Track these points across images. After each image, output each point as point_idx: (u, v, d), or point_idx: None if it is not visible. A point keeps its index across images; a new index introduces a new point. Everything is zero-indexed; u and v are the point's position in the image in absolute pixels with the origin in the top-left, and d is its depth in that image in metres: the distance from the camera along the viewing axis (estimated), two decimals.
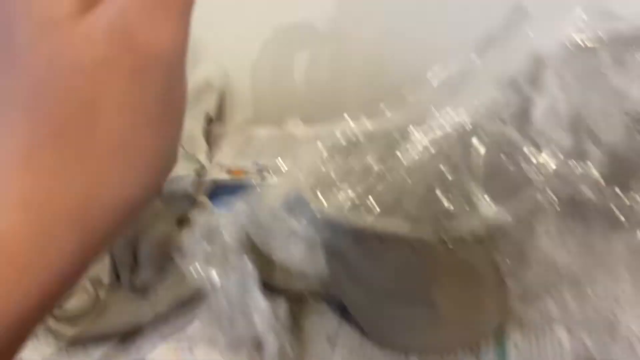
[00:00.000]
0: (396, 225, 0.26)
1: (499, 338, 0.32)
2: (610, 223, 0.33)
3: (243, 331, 0.34)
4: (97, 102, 0.16)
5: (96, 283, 0.40)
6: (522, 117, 0.35)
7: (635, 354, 0.29)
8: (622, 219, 0.29)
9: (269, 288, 0.37)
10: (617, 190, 0.31)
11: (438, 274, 0.27)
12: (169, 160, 0.19)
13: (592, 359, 0.29)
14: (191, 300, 0.37)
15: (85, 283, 0.39)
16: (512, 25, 0.37)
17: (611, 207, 0.31)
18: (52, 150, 0.16)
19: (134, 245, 0.40)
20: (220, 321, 0.34)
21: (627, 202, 0.29)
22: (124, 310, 0.38)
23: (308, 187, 0.29)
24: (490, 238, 0.26)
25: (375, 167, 0.30)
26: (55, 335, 0.37)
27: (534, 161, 0.29)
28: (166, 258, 0.39)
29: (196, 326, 0.35)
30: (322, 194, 0.29)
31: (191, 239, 0.34)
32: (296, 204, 0.30)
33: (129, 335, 0.36)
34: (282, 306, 0.36)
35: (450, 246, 0.26)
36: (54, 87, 0.16)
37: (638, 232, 0.31)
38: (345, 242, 0.27)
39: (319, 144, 0.33)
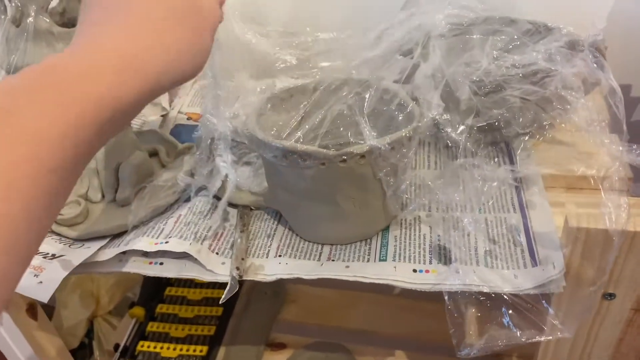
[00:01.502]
0: (312, 148, 0.38)
1: (384, 232, 0.46)
2: (456, 152, 0.47)
3: (205, 230, 0.46)
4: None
5: (86, 199, 0.52)
6: (411, 77, 0.48)
7: (468, 239, 0.44)
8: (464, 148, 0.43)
9: (228, 204, 0.50)
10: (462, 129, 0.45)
11: (340, 182, 0.40)
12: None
13: (441, 244, 0.44)
14: (164, 209, 0.49)
15: (77, 199, 0.51)
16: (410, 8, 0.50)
17: (461, 141, 0.45)
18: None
19: (117, 170, 0.51)
20: (188, 224, 0.47)
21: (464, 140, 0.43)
22: (111, 218, 0.49)
23: (254, 122, 0.42)
24: (373, 158, 0.39)
25: (301, 111, 0.43)
26: (60, 236, 0.48)
27: (409, 108, 0.42)
28: (142, 179, 0.51)
29: (170, 226, 0.47)
30: (263, 128, 0.42)
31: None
32: (245, 136, 0.42)
33: (118, 235, 0.48)
34: (235, 215, 0.49)
35: (347, 162, 0.39)
36: None
37: (475, 159, 0.45)
38: (279, 159, 0.40)
39: (262, 92, 0.46)
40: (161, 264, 0.45)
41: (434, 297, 0.86)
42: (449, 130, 0.48)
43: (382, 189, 0.42)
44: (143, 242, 0.45)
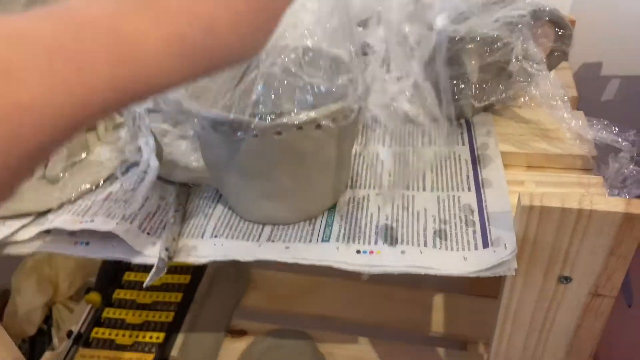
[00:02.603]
0: (242, 117, 0.35)
1: (330, 212, 0.42)
2: (413, 128, 0.44)
3: (135, 208, 0.43)
4: None
5: None
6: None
7: (417, 219, 0.41)
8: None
9: (163, 180, 0.46)
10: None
11: (275, 156, 0.37)
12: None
13: (388, 224, 0.40)
14: (95, 187, 0.46)
15: None
16: None
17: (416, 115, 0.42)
18: None
19: None
20: (118, 201, 0.43)
21: None
22: (39, 195, 0.45)
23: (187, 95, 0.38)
24: (312, 130, 0.36)
25: (235, 81, 0.39)
26: None
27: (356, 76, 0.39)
28: (73, 154, 0.47)
29: (98, 203, 0.44)
30: (195, 96, 0.38)
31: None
32: (170, 105, 0.39)
33: (44, 214, 0.44)
34: (172, 193, 0.45)
35: (283, 134, 0.35)
36: None
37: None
38: (208, 131, 0.36)
39: None
40: (87, 244, 0.42)
41: (404, 283, 0.84)
42: (403, 102, 0.45)
43: (324, 165, 0.39)
44: (67, 220, 0.42)
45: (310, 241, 0.40)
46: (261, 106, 0.36)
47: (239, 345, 0.77)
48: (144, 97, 0.22)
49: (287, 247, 0.40)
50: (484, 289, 0.82)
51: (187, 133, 0.47)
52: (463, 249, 0.38)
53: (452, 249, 0.38)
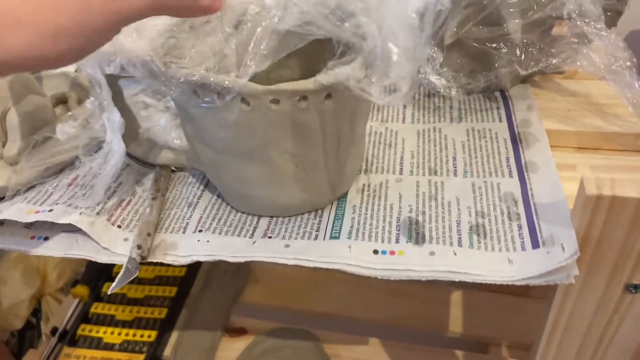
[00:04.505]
0: (230, 79, 0.27)
1: (341, 201, 0.35)
2: (439, 101, 0.36)
3: (94, 201, 0.35)
4: None
5: None
6: None
7: (449, 211, 0.33)
8: None
9: (141, 163, 0.39)
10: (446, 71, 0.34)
11: (272, 132, 0.29)
12: None
13: (413, 218, 0.33)
14: (59, 169, 0.38)
15: None
16: None
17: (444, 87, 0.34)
18: None
19: (4, 118, 0.40)
20: (84, 187, 0.36)
21: None
22: None
23: (157, 47, 0.30)
24: (321, 100, 0.28)
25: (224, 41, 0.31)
26: None
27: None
28: (36, 131, 0.40)
29: (60, 190, 0.36)
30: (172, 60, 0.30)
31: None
32: (139, 67, 0.31)
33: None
34: (150, 178, 0.38)
35: (281, 104, 0.28)
36: None
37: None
38: (189, 99, 0.29)
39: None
40: (46, 238, 0.34)
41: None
42: (428, 71, 0.37)
43: (333, 143, 0.31)
44: (19, 209, 0.34)
45: (315, 238, 0.32)
46: (253, 66, 0.28)
47: (237, 345, 0.70)
48: None
49: (287, 246, 0.32)
50: (508, 285, 0.74)
51: (169, 104, 0.39)
52: (507, 249, 0.30)
53: (493, 249, 0.31)
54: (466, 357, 0.68)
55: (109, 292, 0.31)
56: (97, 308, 0.76)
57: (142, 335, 0.71)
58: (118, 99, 0.36)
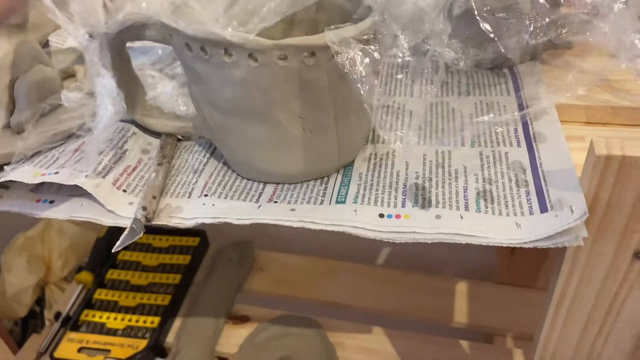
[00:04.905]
0: (237, 33, 0.27)
1: (347, 169, 0.35)
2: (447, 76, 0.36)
3: (111, 161, 0.35)
4: None
5: None
6: None
7: (456, 178, 0.33)
8: None
9: (147, 131, 0.39)
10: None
11: (280, 91, 0.29)
12: None
13: (419, 183, 0.33)
14: (66, 136, 0.38)
15: None
16: None
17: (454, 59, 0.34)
18: None
19: (12, 87, 0.40)
20: (89, 154, 0.36)
21: None
22: (1, 145, 0.38)
23: (166, 6, 0.30)
24: (330, 58, 0.28)
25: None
26: None
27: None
28: (42, 99, 0.40)
29: (67, 154, 0.36)
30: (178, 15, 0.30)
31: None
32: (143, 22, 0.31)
33: (1, 168, 0.37)
34: (156, 146, 0.38)
35: (289, 60, 0.28)
36: None
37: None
38: (195, 55, 0.29)
39: None
40: (52, 202, 0.34)
41: (423, 268, 0.76)
42: (436, 43, 0.37)
43: (342, 106, 0.31)
44: (26, 172, 0.34)
45: (321, 203, 0.32)
46: (260, 22, 0.28)
47: (240, 332, 0.69)
48: None
49: (292, 209, 0.32)
50: (512, 276, 0.74)
51: (175, 71, 0.39)
52: (515, 214, 0.30)
53: (500, 213, 0.30)
54: (471, 347, 0.67)
55: (113, 250, 0.31)
56: (101, 294, 0.76)
57: (145, 322, 0.71)
58: (124, 66, 0.36)
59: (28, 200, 0.35)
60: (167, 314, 0.72)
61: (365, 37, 0.29)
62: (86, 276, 0.78)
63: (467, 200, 0.31)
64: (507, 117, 0.37)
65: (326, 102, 0.30)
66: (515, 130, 0.36)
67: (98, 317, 0.73)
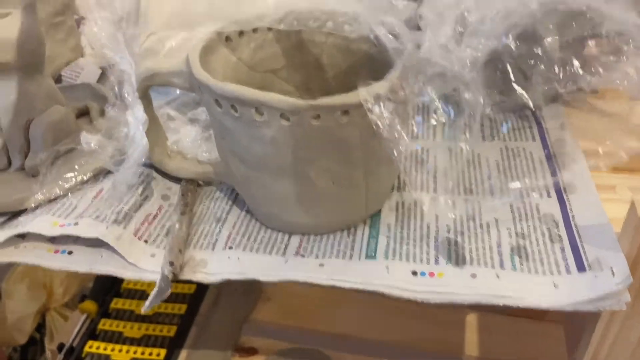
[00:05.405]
0: (271, 94, 0.26)
1: (374, 219, 0.34)
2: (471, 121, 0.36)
3: (132, 210, 0.34)
4: None
5: None
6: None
7: (488, 232, 0.32)
8: None
9: (166, 176, 0.38)
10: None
11: (312, 148, 0.28)
12: None
13: (451, 238, 0.32)
14: (84, 181, 0.37)
15: None
16: None
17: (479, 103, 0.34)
18: None
19: (27, 128, 0.39)
20: (111, 199, 0.35)
21: None
22: (16, 190, 0.37)
23: (196, 58, 0.30)
24: (363, 114, 0.27)
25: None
26: None
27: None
28: (58, 141, 0.39)
29: (85, 202, 0.35)
30: (212, 70, 0.30)
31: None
32: (176, 74, 0.30)
33: (17, 214, 0.36)
34: (176, 192, 0.37)
35: (324, 119, 0.27)
36: None
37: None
38: (225, 111, 0.28)
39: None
40: (70, 253, 0.33)
41: None
42: (462, 89, 0.36)
43: (373, 159, 0.30)
44: (44, 222, 0.33)
45: (350, 257, 0.31)
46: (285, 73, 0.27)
47: None
48: None
49: (321, 264, 0.31)
50: (524, 308, 0.73)
51: (198, 117, 0.38)
52: (551, 273, 0.29)
53: (536, 271, 0.29)
54: None
55: (142, 311, 0.30)
56: (105, 324, 0.74)
57: (150, 354, 0.69)
58: (147, 109, 0.35)
59: (45, 251, 0.34)
60: (173, 345, 0.70)
61: (395, 89, 0.29)
62: (90, 306, 0.76)
63: (501, 256, 0.30)
64: (534, 165, 0.37)
65: (357, 158, 0.30)
66: (544, 179, 0.36)
67: (102, 348, 0.71)
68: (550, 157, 0.37)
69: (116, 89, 0.32)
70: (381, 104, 0.27)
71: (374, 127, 0.27)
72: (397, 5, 0.38)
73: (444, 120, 0.31)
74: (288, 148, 0.29)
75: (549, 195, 0.34)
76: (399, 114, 0.29)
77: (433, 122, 0.31)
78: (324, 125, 0.27)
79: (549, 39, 0.35)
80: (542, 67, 0.36)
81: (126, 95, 0.31)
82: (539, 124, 0.41)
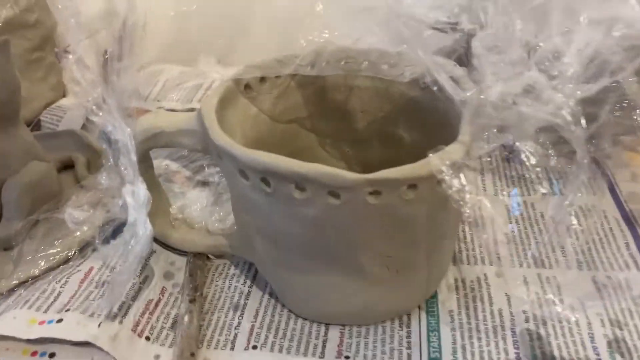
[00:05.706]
0: (318, 167, 0.20)
1: (430, 304, 0.28)
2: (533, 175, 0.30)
3: (129, 297, 0.28)
4: None
5: None
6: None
7: (576, 320, 0.26)
8: None
9: (168, 247, 0.31)
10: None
11: (367, 231, 0.22)
12: None
13: (532, 330, 0.26)
14: (67, 258, 0.31)
15: None
16: None
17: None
18: None
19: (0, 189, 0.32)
20: (101, 286, 0.28)
21: None
22: None
23: (212, 116, 0.23)
24: (432, 187, 0.21)
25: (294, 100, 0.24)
26: None
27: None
28: (40, 205, 0.32)
29: (71, 288, 0.28)
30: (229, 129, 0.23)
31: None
32: (191, 137, 0.24)
33: None
34: (180, 268, 0.30)
35: (384, 196, 0.21)
36: None
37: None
38: (255, 186, 0.22)
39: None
40: (51, 356, 0.26)
41: None
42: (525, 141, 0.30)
43: (435, 237, 0.24)
44: (19, 318, 0.26)
45: (409, 359, 0.25)
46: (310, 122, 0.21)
47: None
48: None
49: None
50: None
51: (208, 177, 0.32)
52: None
53: None
54: None
55: None
56: None
57: None
58: (147, 171, 0.28)
59: (20, 353, 0.27)
60: None
61: (471, 153, 0.23)
62: None
63: (599, 356, 0.24)
64: (611, 227, 0.31)
65: (420, 237, 0.24)
66: (627, 245, 0.30)
67: None
68: (627, 217, 0.32)
69: (110, 159, 0.25)
70: (461, 175, 0.21)
71: (454, 203, 0.21)
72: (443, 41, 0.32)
73: (545, 192, 0.25)
74: (334, 230, 0.22)
75: (637, 268, 0.28)
76: (472, 178, 0.23)
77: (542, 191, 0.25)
78: (383, 203, 0.21)
79: (630, 79, 0.29)
80: (619, 113, 0.30)
81: (122, 169, 0.24)
82: (604, 174, 0.35)
